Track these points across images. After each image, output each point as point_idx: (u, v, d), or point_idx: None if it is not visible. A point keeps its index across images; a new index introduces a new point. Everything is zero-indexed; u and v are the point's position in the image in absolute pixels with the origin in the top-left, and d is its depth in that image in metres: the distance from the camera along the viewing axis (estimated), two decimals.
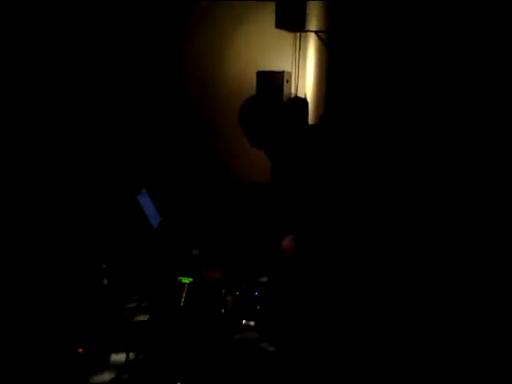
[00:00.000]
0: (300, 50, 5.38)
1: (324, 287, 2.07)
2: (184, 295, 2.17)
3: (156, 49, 5.59)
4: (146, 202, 2.85)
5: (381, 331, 1.69)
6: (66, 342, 1.85)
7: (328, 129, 2.67)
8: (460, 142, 1.32)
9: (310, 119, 3.88)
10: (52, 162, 3.89)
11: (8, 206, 3.11)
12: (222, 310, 2.10)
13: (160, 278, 2.35)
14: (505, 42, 1.13)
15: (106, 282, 2.21)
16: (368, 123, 2.12)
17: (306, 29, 4.87)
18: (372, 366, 1.69)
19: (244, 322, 2.04)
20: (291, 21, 4.81)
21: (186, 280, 2.27)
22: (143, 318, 2.05)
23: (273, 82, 4.81)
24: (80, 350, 1.81)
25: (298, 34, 5.26)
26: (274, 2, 4.89)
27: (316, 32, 4.36)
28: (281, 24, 4.85)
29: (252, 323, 2.03)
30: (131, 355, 1.81)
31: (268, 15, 5.13)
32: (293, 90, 5.27)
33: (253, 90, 4.78)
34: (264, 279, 2.37)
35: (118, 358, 1.81)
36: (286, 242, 2.18)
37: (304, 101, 3.23)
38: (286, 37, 5.31)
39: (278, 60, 5.48)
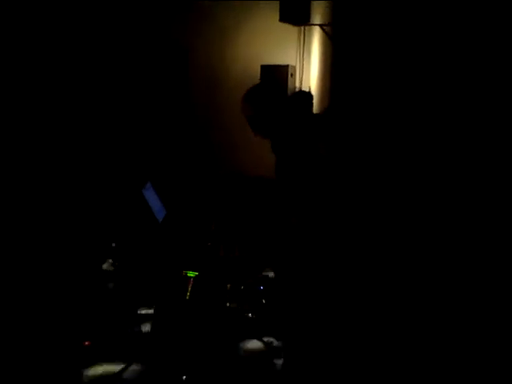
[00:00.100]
0: (304, 44, 5.35)
1: (327, 282, 2.07)
2: (189, 289, 2.18)
3: (162, 43, 5.58)
4: (151, 196, 2.86)
5: (381, 331, 1.68)
6: (72, 335, 1.86)
7: (333, 122, 2.66)
8: (464, 137, 1.31)
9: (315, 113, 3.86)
10: (58, 157, 3.91)
11: (12, 200, 3.13)
12: (228, 304, 2.11)
13: (165, 272, 2.36)
14: (508, 40, 1.13)
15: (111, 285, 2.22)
16: (373, 117, 2.11)
17: (311, 22, 4.84)
18: (372, 366, 1.68)
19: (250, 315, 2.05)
20: (295, 14, 4.78)
21: (192, 274, 2.28)
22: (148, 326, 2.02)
23: (277, 75, 4.78)
24: (86, 342, 1.83)
25: (302, 28, 5.23)
26: None
27: (320, 25, 4.34)
28: (285, 17, 4.81)
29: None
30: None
31: (273, 9, 5.10)
32: (297, 84, 5.25)
33: None
34: (269, 273, 2.37)
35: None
36: None
37: (309, 94, 3.21)
38: (291, 31, 5.28)
39: (282, 54, 5.45)
